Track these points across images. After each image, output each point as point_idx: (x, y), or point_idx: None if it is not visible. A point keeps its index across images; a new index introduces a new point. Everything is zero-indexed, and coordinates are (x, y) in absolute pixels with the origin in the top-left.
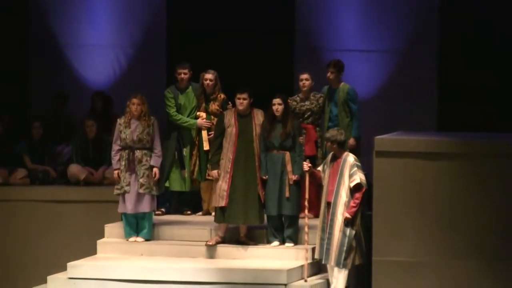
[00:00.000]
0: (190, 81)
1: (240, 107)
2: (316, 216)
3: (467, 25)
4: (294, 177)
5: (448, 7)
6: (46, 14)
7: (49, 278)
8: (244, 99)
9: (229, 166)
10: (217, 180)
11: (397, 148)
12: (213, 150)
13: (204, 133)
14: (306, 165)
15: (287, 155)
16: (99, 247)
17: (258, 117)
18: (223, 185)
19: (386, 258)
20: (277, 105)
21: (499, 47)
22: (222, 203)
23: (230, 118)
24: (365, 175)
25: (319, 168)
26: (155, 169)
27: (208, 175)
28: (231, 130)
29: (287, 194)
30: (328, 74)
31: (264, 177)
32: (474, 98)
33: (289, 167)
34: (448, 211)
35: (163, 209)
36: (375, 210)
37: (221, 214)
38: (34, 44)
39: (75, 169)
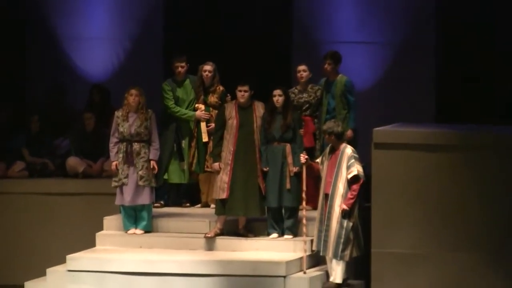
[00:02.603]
0: (188, 73)
1: (241, 100)
2: (315, 208)
3: (466, 16)
4: (295, 169)
5: None
6: (44, 8)
7: (48, 270)
8: (245, 91)
9: (230, 158)
10: (217, 172)
11: (396, 140)
12: (214, 143)
13: (203, 125)
14: (303, 157)
15: (288, 147)
16: (98, 240)
17: (259, 109)
18: (223, 177)
19: (385, 250)
20: (278, 96)
21: (499, 39)
22: (223, 195)
23: (231, 111)
24: (363, 167)
25: (318, 160)
26: (153, 163)
27: (207, 167)
28: (232, 122)
29: (288, 186)
30: (326, 66)
31: (264, 169)
32: (473, 90)
33: (289, 159)
34: (447, 203)
35: (161, 202)
36: (374, 202)
37: (222, 206)
38: (32, 37)
39: (74, 162)
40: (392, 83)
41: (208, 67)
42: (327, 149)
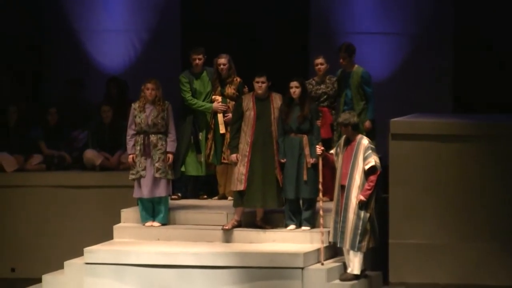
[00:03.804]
0: (205, 65)
1: (259, 91)
2: (332, 199)
3: (483, 8)
4: (312, 160)
5: None
6: (61, 0)
7: (66, 263)
8: (262, 82)
9: (247, 150)
10: (235, 164)
11: (413, 130)
12: (231, 135)
13: (220, 116)
14: (318, 149)
15: (305, 138)
16: (115, 232)
17: (277, 100)
18: (241, 169)
19: (403, 240)
20: (295, 88)
21: None
22: (241, 187)
23: (248, 102)
24: (380, 158)
25: (332, 151)
26: (169, 155)
27: (224, 158)
28: (249, 113)
29: (305, 177)
30: (341, 60)
31: (282, 161)
32: (490, 80)
33: (306, 151)
34: (464, 193)
35: (179, 194)
36: (391, 193)
37: (239, 198)
38: (49, 29)
39: (91, 154)
40: (410, 73)
41: (222, 60)
42: (342, 140)
